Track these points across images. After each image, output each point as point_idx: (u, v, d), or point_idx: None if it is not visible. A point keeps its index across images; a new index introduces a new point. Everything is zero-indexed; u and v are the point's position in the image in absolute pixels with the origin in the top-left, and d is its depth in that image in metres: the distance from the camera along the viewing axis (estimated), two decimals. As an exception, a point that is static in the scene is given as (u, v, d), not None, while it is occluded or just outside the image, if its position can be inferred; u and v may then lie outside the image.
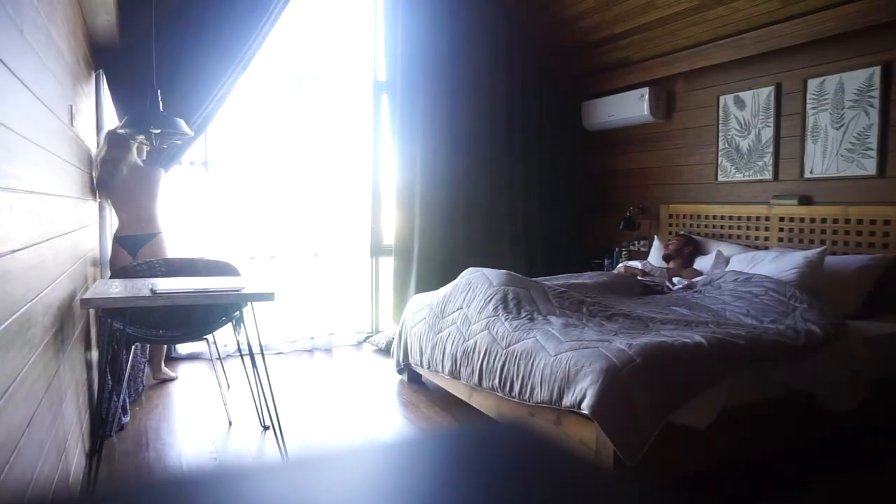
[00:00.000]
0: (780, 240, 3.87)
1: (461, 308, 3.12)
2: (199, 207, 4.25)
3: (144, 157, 3.60)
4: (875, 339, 2.81)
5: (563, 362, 2.32)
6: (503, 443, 0.43)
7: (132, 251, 3.46)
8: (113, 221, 3.63)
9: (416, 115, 4.68)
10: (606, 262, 4.98)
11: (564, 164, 5.30)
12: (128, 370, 3.04)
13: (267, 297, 2.42)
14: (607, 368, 2.16)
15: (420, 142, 4.70)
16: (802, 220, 3.74)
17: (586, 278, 3.73)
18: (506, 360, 2.60)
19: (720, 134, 4.26)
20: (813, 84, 3.68)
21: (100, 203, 3.67)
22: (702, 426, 2.25)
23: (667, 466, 2.23)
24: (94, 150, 3.43)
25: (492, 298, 3.01)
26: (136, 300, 2.23)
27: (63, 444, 1.98)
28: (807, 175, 3.74)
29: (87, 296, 2.22)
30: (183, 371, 3.92)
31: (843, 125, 3.54)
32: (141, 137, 3.42)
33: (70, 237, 2.33)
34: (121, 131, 3.25)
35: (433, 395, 3.48)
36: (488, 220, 4.99)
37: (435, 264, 4.73)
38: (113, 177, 3.39)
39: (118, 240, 3.47)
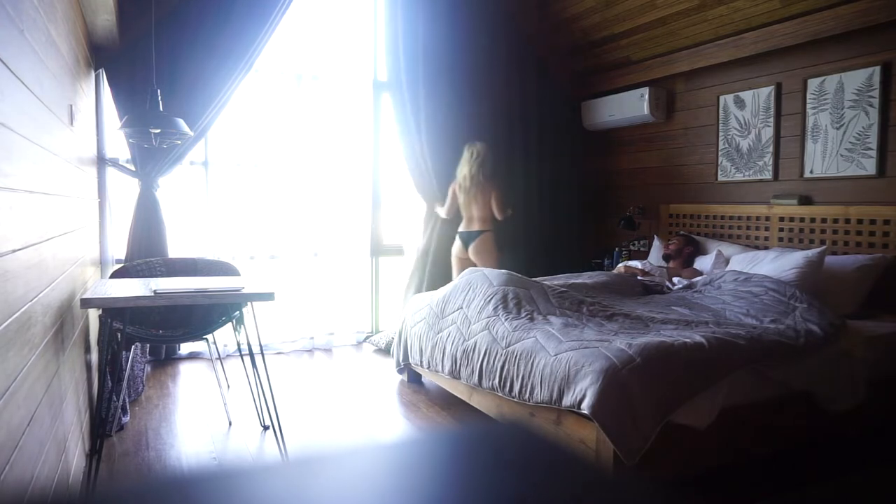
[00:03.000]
0: (780, 240, 3.87)
1: (461, 308, 3.12)
2: (199, 207, 4.25)
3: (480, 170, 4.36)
4: (875, 339, 2.81)
5: (563, 362, 2.32)
6: (503, 442, 0.43)
7: (466, 244, 4.37)
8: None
9: (417, 114, 4.67)
10: (606, 262, 4.98)
11: (564, 164, 5.29)
12: (128, 370, 3.04)
13: (267, 296, 2.42)
14: (607, 368, 2.16)
15: (419, 141, 4.69)
16: (802, 219, 3.74)
17: (586, 278, 3.73)
18: (506, 359, 2.60)
19: (720, 134, 4.26)
20: (813, 84, 3.68)
21: (100, 203, 3.68)
22: (702, 426, 2.25)
23: (667, 466, 2.23)
24: (94, 150, 3.44)
25: (492, 298, 3.01)
26: (136, 300, 2.23)
27: (63, 444, 1.98)
28: (807, 175, 3.74)
29: (87, 296, 2.22)
30: (183, 371, 3.92)
31: (842, 125, 3.54)
32: (477, 149, 4.35)
33: (70, 237, 2.33)
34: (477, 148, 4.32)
35: (433, 395, 3.48)
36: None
37: (440, 263, 4.78)
38: (458, 182, 4.37)
39: (458, 233, 4.43)
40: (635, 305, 3.24)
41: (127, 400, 3.05)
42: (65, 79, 2.35)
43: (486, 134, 4.90)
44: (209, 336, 3.03)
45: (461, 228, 4.42)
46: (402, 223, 4.96)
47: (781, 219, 3.86)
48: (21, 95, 1.54)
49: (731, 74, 4.17)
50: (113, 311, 2.47)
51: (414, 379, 3.68)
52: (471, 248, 4.35)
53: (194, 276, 3.15)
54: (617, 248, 5.00)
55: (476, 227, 4.36)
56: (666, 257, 4.18)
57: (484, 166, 4.36)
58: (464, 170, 4.38)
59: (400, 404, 3.36)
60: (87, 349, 2.83)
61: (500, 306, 2.94)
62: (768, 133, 3.94)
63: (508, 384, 2.56)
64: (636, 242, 4.87)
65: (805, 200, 3.76)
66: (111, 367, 2.74)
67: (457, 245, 4.44)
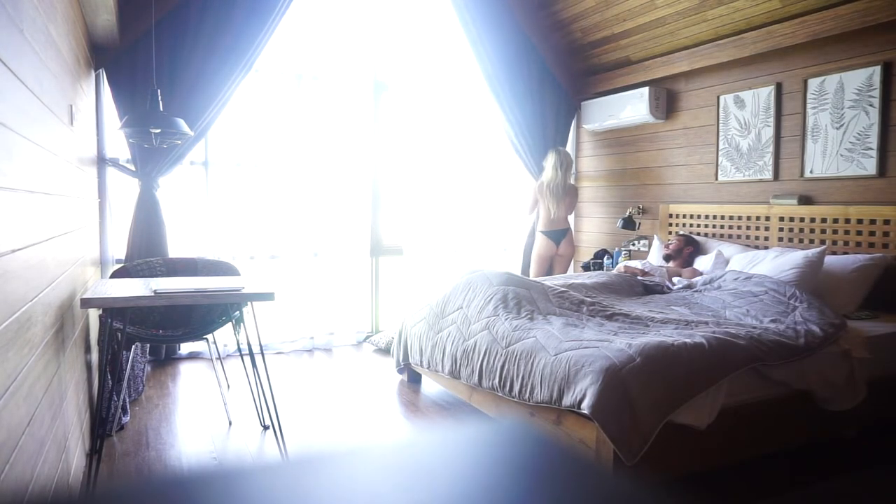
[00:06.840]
0: (780, 240, 3.87)
1: (461, 308, 3.12)
2: (199, 207, 4.25)
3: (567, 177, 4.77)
4: (875, 339, 2.81)
5: (563, 362, 2.32)
6: (504, 442, 0.43)
7: (556, 241, 4.75)
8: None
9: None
10: (606, 262, 4.98)
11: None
12: (128, 370, 3.04)
13: (267, 296, 2.42)
14: (607, 368, 2.16)
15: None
16: (802, 219, 3.74)
17: (586, 278, 3.73)
18: (506, 359, 2.60)
19: (720, 134, 4.26)
20: (813, 84, 3.68)
21: (100, 203, 3.68)
22: (702, 426, 2.25)
23: (667, 466, 2.23)
24: (94, 150, 3.44)
25: (492, 298, 3.01)
26: (136, 300, 2.24)
27: (63, 444, 1.98)
28: (807, 175, 3.74)
29: (87, 296, 2.22)
30: (183, 371, 3.93)
31: (843, 125, 3.54)
32: (562, 155, 4.76)
33: (70, 237, 2.33)
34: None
35: (433, 394, 3.48)
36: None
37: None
38: (545, 184, 4.71)
39: (544, 232, 4.77)
40: (635, 305, 3.24)
41: (127, 400, 3.05)
42: (65, 79, 2.35)
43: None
44: (209, 336, 3.03)
45: (546, 229, 4.75)
46: (402, 223, 4.96)
47: (781, 219, 3.86)
48: (21, 95, 1.54)
49: (731, 74, 4.17)
50: (113, 311, 2.47)
51: (414, 379, 3.68)
52: (562, 244, 4.76)
53: (194, 276, 3.15)
54: (617, 248, 5.00)
55: (561, 225, 4.78)
56: (666, 257, 4.18)
57: (569, 170, 4.73)
58: (549, 173, 4.70)
59: (400, 404, 3.36)
60: (88, 349, 2.83)
61: (500, 306, 2.94)
62: (768, 133, 3.94)
63: (508, 384, 2.56)
64: (636, 242, 4.87)
65: (805, 200, 3.76)
66: (111, 366, 2.74)
67: (545, 244, 4.75)
